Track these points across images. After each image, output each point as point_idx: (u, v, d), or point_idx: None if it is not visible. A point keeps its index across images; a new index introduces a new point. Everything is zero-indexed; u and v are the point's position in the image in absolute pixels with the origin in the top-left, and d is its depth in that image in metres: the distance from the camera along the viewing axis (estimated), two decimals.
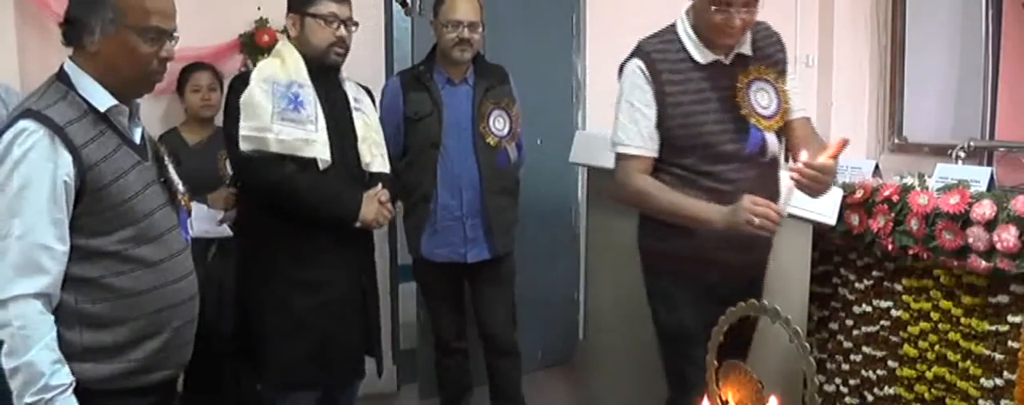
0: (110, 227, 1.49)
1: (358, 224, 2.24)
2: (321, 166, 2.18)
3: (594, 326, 2.99)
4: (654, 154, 2.02)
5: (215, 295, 2.54)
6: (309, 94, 2.19)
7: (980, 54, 3.28)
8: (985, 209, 2.13)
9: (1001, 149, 3.15)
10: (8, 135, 1.42)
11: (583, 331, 3.37)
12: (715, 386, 1.48)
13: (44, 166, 1.41)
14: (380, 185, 2.31)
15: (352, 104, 2.32)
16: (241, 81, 2.19)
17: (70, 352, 1.46)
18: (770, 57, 2.06)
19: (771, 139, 2.03)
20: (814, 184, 1.85)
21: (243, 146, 2.14)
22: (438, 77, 2.68)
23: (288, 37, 2.29)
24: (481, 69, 2.73)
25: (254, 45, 3.00)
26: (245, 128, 2.13)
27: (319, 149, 2.17)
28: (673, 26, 2.06)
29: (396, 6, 3.32)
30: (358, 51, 2.94)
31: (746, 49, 2.03)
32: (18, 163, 1.41)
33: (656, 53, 2.01)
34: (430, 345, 3.26)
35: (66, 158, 1.43)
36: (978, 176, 2.36)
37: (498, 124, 2.67)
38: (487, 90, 2.68)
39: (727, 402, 1.47)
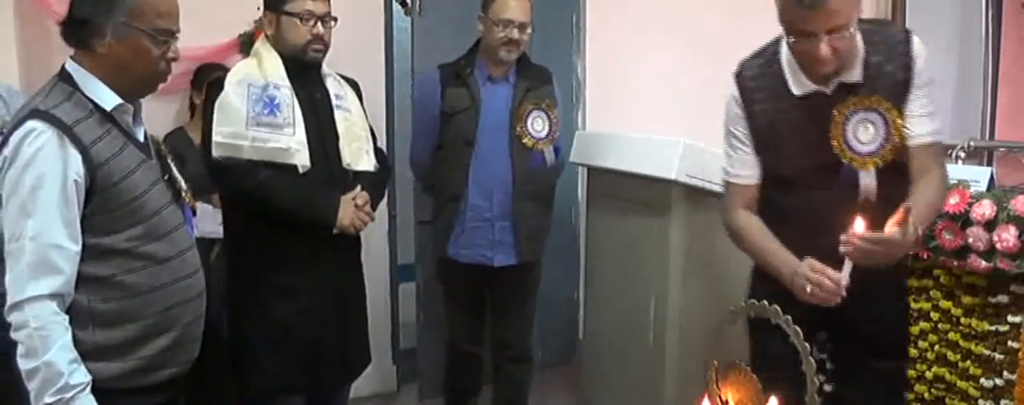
0: (120, 225, 1.50)
1: (336, 230, 2.19)
2: (300, 170, 2.14)
3: (594, 326, 2.99)
4: (755, 181, 1.88)
5: (218, 297, 2.53)
6: (286, 96, 2.14)
7: (980, 54, 3.28)
8: (985, 209, 2.13)
9: (1001, 149, 3.16)
10: (17, 135, 1.43)
11: (583, 331, 3.36)
12: (715, 386, 1.48)
13: (54, 166, 1.42)
14: (359, 187, 2.25)
15: (334, 101, 2.26)
16: (217, 86, 2.15)
17: (83, 350, 1.47)
18: (889, 77, 1.74)
19: (867, 177, 1.76)
20: (870, 258, 1.61)
21: (216, 152, 2.10)
22: (479, 73, 2.61)
23: (266, 36, 2.24)
24: (524, 68, 2.65)
25: (254, 45, 2.99)
26: (218, 134, 2.09)
27: (296, 154, 2.13)
28: (777, 45, 1.83)
29: (396, 6, 3.32)
30: (358, 51, 2.95)
31: (855, 75, 1.73)
32: (29, 164, 1.41)
33: (752, 79, 1.85)
34: (430, 345, 3.27)
35: (76, 157, 1.43)
36: (978, 176, 2.36)
37: (536, 125, 2.58)
38: (528, 90, 2.60)
39: (727, 402, 1.47)
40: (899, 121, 1.71)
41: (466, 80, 2.58)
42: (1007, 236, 2.15)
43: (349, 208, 2.21)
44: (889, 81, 1.73)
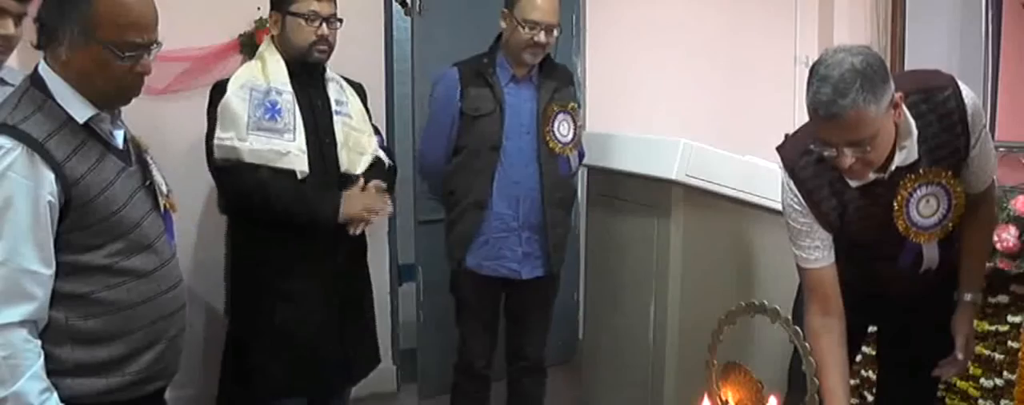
0: (99, 241, 1.42)
1: (342, 219, 2.16)
2: (299, 175, 2.14)
3: (594, 326, 2.99)
4: (830, 261, 1.79)
5: None
6: (288, 101, 2.15)
7: (980, 54, 3.28)
8: None
9: (1001, 149, 3.15)
10: None
11: (583, 331, 3.36)
12: (715, 386, 1.48)
13: (24, 186, 1.32)
14: (362, 181, 2.23)
15: (333, 107, 2.25)
16: (220, 89, 2.15)
17: (61, 369, 1.41)
18: (948, 146, 1.67)
19: (929, 249, 1.77)
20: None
21: (216, 155, 2.11)
22: (502, 73, 2.45)
23: (271, 37, 2.25)
24: (547, 68, 2.51)
25: (254, 45, 2.98)
26: (219, 138, 2.10)
27: (295, 159, 2.13)
28: None
29: (396, 6, 3.32)
30: (358, 51, 2.94)
31: (912, 156, 1.65)
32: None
33: (810, 179, 1.73)
34: (430, 345, 3.27)
35: (48, 176, 1.34)
36: None
37: (562, 129, 2.44)
38: (554, 92, 2.47)
39: (727, 402, 1.47)
40: (960, 190, 1.68)
41: (489, 80, 2.42)
42: (1007, 236, 2.16)
43: (356, 200, 2.19)
44: (949, 150, 1.67)
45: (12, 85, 1.72)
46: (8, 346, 1.33)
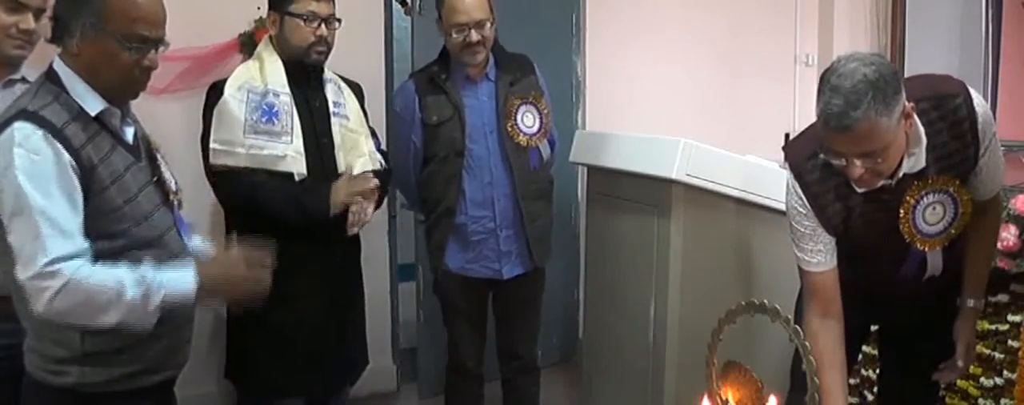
0: (111, 231, 1.45)
1: (333, 210, 2.14)
2: (297, 178, 2.13)
3: (594, 326, 2.98)
4: (832, 265, 1.79)
5: None
6: (285, 103, 2.14)
7: (980, 54, 3.29)
8: None
9: (1001, 148, 3.16)
10: (4, 136, 1.37)
11: (583, 331, 3.37)
12: (715, 386, 1.48)
13: (48, 153, 1.37)
14: (349, 171, 2.22)
15: (331, 109, 2.24)
16: (217, 91, 2.14)
17: (70, 357, 1.45)
18: (957, 154, 1.66)
19: (933, 257, 1.75)
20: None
21: (212, 159, 2.09)
22: (456, 75, 2.42)
23: (270, 37, 2.24)
24: (502, 61, 2.45)
25: (254, 45, 2.98)
26: (216, 141, 2.09)
27: (293, 162, 2.12)
28: None
29: (396, 6, 3.32)
30: (358, 51, 2.95)
31: (920, 163, 1.63)
32: (20, 157, 1.35)
33: (816, 183, 1.71)
34: (430, 345, 3.27)
35: (67, 157, 1.39)
36: None
37: (527, 121, 2.43)
38: (511, 84, 2.43)
39: (727, 401, 1.47)
40: (967, 198, 1.67)
41: (443, 86, 2.40)
42: (1007, 235, 2.16)
43: (341, 186, 2.16)
44: (957, 158, 1.65)
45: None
46: (72, 270, 1.35)
